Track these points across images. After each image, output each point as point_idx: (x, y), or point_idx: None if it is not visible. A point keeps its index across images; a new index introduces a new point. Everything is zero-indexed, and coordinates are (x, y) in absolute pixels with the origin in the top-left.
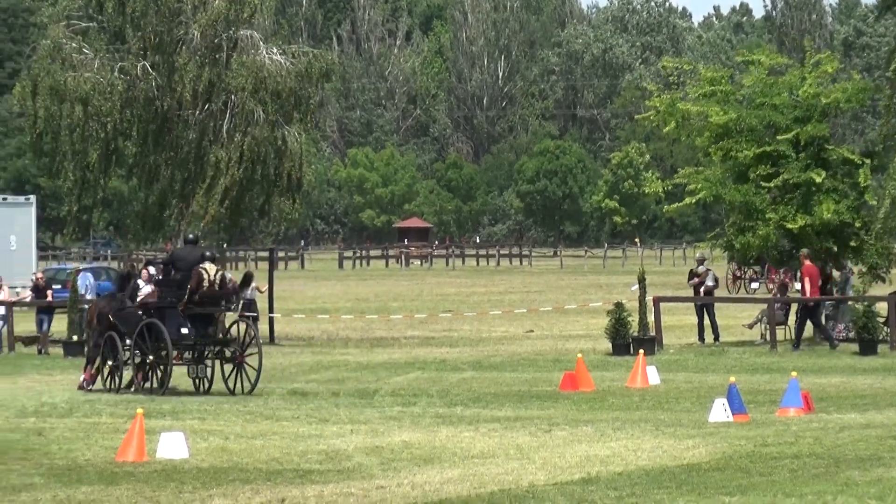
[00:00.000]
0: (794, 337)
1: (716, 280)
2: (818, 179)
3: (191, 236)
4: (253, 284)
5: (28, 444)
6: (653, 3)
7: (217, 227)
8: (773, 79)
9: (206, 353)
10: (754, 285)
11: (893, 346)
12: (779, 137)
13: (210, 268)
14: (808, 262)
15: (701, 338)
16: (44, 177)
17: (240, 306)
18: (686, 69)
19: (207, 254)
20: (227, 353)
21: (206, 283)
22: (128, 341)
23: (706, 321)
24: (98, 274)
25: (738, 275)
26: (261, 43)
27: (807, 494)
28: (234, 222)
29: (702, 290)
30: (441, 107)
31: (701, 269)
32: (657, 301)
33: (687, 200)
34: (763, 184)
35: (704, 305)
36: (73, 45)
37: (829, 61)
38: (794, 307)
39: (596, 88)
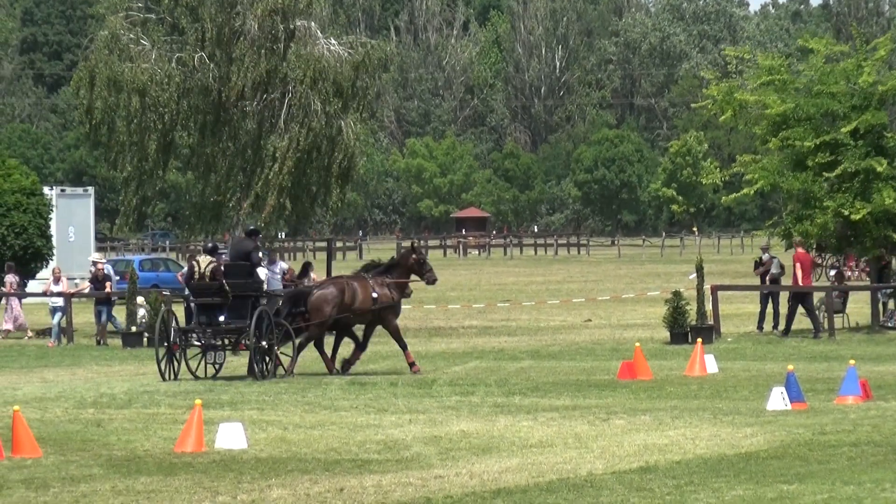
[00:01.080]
0: (784, 325)
1: (781, 268)
2: (879, 168)
3: (251, 227)
4: (312, 275)
5: (87, 434)
6: None
7: (276, 216)
8: (830, 66)
9: (219, 341)
10: (832, 272)
11: None
12: (841, 130)
13: (203, 260)
14: (799, 250)
15: (760, 326)
16: (102, 168)
17: None
18: (746, 58)
19: (209, 245)
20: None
21: (196, 275)
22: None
23: (769, 309)
24: (157, 265)
25: (819, 262)
26: (318, 33)
27: (865, 482)
28: (292, 212)
29: (767, 278)
30: (498, 96)
31: (766, 257)
32: (715, 290)
33: (745, 190)
34: (824, 174)
35: (770, 294)
36: (131, 36)
37: (884, 45)
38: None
39: (653, 77)
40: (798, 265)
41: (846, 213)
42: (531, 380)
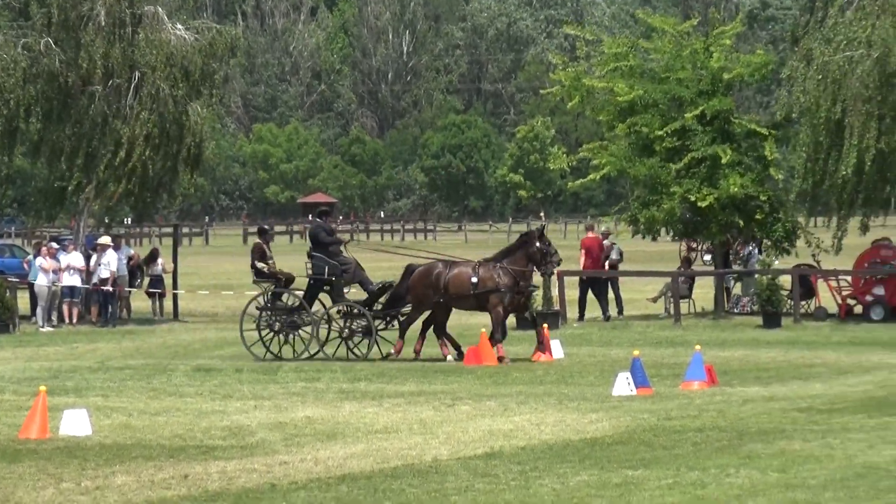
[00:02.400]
0: (578, 311)
1: (620, 254)
2: (724, 158)
3: (322, 208)
4: (160, 260)
5: None
6: None
7: (122, 202)
8: (677, 51)
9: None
10: (707, 257)
11: (797, 318)
12: (686, 115)
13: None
14: (590, 234)
15: (605, 312)
16: None
17: (145, 282)
18: (589, 38)
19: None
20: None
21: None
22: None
23: (611, 295)
24: (2, 251)
25: (693, 246)
26: (165, 18)
27: (710, 468)
28: (138, 198)
29: (607, 264)
30: (345, 82)
31: (606, 243)
32: (561, 275)
33: (592, 176)
34: (669, 165)
35: (609, 279)
36: None
37: (732, 30)
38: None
39: (500, 62)
40: (584, 251)
41: (693, 198)
42: (376, 366)
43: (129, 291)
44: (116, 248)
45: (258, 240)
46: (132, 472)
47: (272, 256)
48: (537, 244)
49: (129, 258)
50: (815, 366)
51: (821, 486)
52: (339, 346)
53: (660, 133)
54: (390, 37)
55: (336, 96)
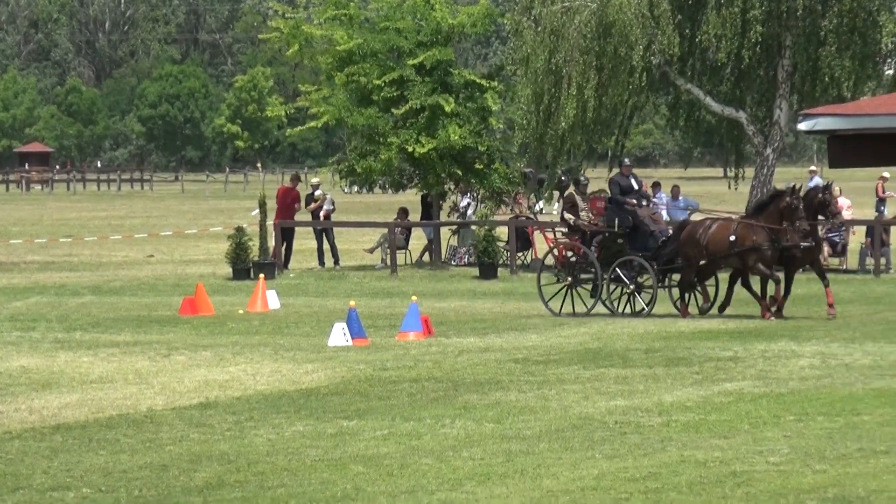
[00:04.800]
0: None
1: (333, 204)
2: (447, 107)
3: (626, 161)
4: None
5: None
6: None
7: None
8: (398, 2)
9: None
10: (466, 202)
11: (513, 270)
12: (407, 64)
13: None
14: (286, 185)
15: (321, 262)
16: None
17: None
18: None
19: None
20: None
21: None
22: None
23: (326, 245)
24: None
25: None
26: None
27: (425, 418)
28: None
29: (321, 214)
30: (63, 31)
31: (318, 193)
32: (277, 226)
33: (311, 124)
34: (391, 110)
35: (324, 230)
36: None
37: None
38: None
39: (217, 13)
40: (278, 200)
41: (410, 148)
42: (92, 315)
43: None
44: None
45: (571, 190)
46: None
47: (585, 208)
48: (787, 199)
49: None
50: (532, 317)
51: (536, 437)
52: (626, 301)
53: (378, 83)
54: None
55: (53, 45)
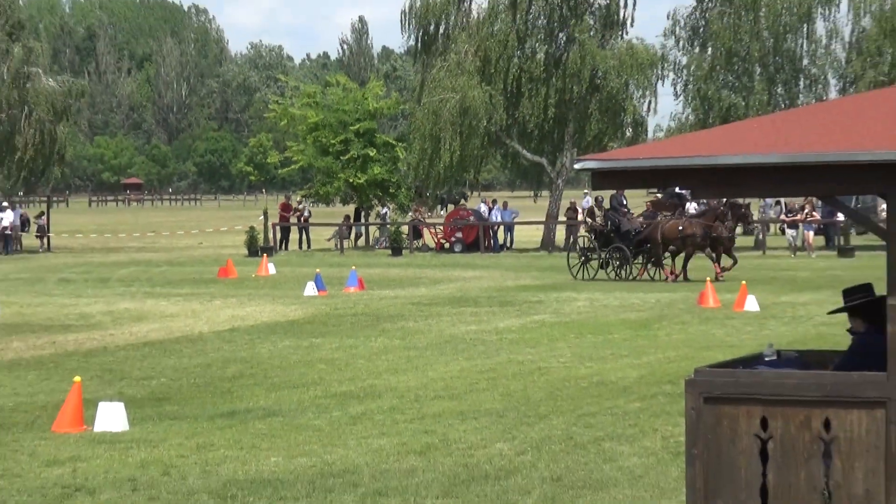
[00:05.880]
0: None
1: (308, 212)
2: (372, 154)
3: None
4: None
5: None
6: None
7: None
8: (345, 95)
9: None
10: (384, 210)
11: (411, 251)
12: (350, 130)
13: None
14: (282, 203)
15: (300, 246)
16: None
17: (33, 228)
18: (293, 85)
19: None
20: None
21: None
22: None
23: (304, 237)
24: None
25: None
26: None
27: (360, 337)
28: (27, 180)
29: (301, 218)
30: (148, 112)
31: (300, 206)
32: (276, 226)
33: (293, 167)
34: (337, 160)
35: (302, 227)
36: None
37: (376, 87)
38: None
39: (239, 101)
40: (279, 211)
41: (352, 180)
42: (166, 278)
43: (21, 234)
44: (12, 208)
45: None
46: (22, 340)
47: (630, 210)
48: (721, 208)
49: (21, 214)
50: (422, 279)
51: (424, 347)
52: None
53: (333, 142)
54: None
55: (143, 120)
